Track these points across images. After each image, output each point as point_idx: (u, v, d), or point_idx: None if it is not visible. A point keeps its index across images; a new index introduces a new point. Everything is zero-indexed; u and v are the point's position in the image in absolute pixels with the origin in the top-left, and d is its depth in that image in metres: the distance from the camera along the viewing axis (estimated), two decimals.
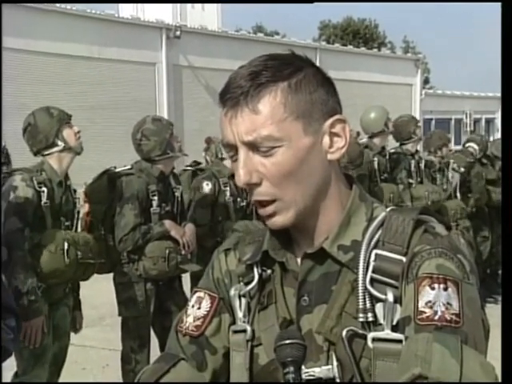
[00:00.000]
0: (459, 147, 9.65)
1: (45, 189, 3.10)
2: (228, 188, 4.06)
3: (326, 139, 1.03)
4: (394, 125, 5.25)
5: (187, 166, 4.20)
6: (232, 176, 4.11)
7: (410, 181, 5.35)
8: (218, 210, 4.07)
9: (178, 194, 3.78)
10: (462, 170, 6.15)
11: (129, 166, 3.72)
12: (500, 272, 6.99)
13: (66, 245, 3.08)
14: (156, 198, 3.61)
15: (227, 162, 4.07)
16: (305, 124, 1.00)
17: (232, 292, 1.13)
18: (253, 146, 0.99)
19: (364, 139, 5.27)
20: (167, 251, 3.57)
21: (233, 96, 0.99)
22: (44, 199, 3.08)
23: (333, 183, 1.06)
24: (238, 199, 4.12)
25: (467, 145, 6.79)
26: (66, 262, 3.09)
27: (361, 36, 39.07)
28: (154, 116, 3.92)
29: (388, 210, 1.07)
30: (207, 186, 4.03)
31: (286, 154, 0.99)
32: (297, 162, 0.99)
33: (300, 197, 1.02)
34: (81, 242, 3.20)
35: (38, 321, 3.00)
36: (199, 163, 4.17)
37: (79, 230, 3.39)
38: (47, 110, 3.24)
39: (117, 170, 3.70)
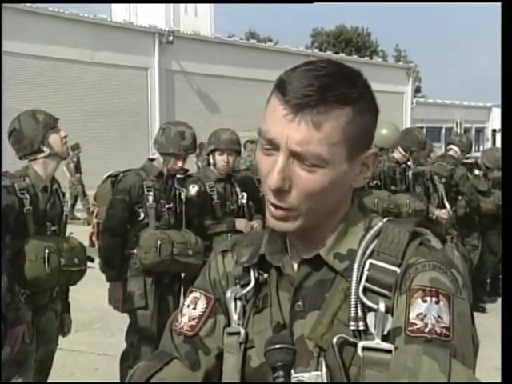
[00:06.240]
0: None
1: (27, 195, 3.06)
2: (214, 192, 4.18)
3: (358, 168, 1.04)
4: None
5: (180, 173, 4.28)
6: (219, 180, 4.21)
7: (393, 188, 5.35)
8: (205, 213, 4.16)
9: (183, 196, 3.88)
10: (443, 180, 6.16)
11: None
12: (488, 281, 7.03)
13: (46, 253, 3.05)
14: (151, 193, 3.70)
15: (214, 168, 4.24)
16: (349, 151, 1.00)
17: (228, 294, 1.14)
18: (296, 156, 0.98)
19: None
20: (159, 242, 3.63)
21: (299, 102, 0.96)
22: (26, 206, 3.05)
23: (344, 202, 1.08)
24: (228, 202, 4.19)
25: (448, 147, 6.81)
26: (46, 270, 3.05)
27: (353, 44, 39.23)
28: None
29: (385, 220, 1.07)
30: (193, 189, 4.15)
31: (325, 175, 0.99)
32: (331, 185, 1.00)
33: (314, 212, 1.02)
34: (65, 249, 3.17)
35: (19, 329, 2.97)
36: (187, 170, 4.28)
37: (67, 234, 3.38)
38: (33, 114, 3.18)
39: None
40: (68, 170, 13.63)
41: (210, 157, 4.25)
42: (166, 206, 3.75)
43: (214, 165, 4.22)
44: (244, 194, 4.28)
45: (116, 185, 3.74)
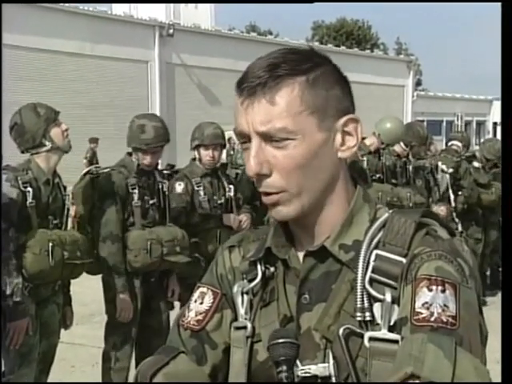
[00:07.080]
0: None
1: (30, 189, 3.06)
2: (201, 187, 4.13)
3: (339, 137, 1.03)
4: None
5: (162, 169, 4.23)
6: (205, 175, 4.17)
7: (394, 181, 5.36)
8: (192, 211, 4.11)
9: (165, 188, 3.79)
10: (451, 170, 6.19)
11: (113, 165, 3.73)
12: (489, 274, 7.05)
13: (50, 246, 3.05)
14: (136, 191, 3.60)
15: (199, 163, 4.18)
16: (319, 119, 1.00)
17: (235, 289, 1.14)
18: (266, 137, 0.99)
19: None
20: (149, 243, 3.55)
21: (250, 86, 0.99)
22: (29, 199, 3.05)
23: (340, 182, 1.07)
24: (215, 197, 4.16)
25: (450, 143, 6.83)
26: (50, 263, 3.05)
27: (354, 37, 39.15)
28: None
29: (391, 211, 1.07)
30: (179, 186, 4.10)
31: (298, 147, 0.99)
32: (308, 156, 1.00)
33: (306, 190, 1.02)
34: (68, 242, 3.17)
35: (23, 322, 2.98)
36: (173, 166, 4.25)
37: (69, 227, 3.38)
38: (34, 108, 3.19)
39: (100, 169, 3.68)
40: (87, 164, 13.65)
41: (195, 152, 4.20)
42: (150, 201, 3.67)
43: (200, 160, 4.18)
44: (231, 187, 4.24)
45: (98, 185, 3.55)
